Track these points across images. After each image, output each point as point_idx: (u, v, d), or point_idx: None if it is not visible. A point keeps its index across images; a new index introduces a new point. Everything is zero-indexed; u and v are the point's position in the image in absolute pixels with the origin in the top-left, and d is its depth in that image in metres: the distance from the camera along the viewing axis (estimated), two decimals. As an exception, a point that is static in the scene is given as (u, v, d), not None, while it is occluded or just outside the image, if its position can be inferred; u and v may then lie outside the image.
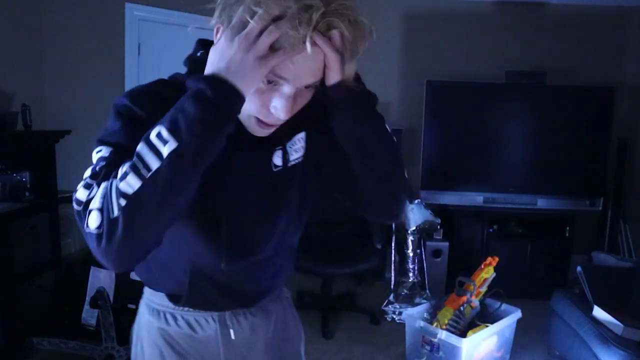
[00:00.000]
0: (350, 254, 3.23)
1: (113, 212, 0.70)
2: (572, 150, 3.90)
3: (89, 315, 2.60)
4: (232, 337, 1.03)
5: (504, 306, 2.71)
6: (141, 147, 0.72)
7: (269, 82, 0.78)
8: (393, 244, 3.54)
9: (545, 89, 3.84)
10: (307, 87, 0.80)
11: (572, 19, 4.16)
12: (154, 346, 1.03)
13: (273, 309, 1.10)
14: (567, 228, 3.76)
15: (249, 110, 0.80)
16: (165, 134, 0.71)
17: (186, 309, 1.01)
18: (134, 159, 0.71)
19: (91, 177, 0.76)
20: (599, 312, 2.37)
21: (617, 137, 3.94)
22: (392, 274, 3.54)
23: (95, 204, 0.72)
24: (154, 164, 0.70)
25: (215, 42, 0.78)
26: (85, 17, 3.38)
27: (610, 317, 2.30)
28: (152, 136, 0.71)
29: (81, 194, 0.74)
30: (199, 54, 0.86)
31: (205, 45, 0.86)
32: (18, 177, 2.74)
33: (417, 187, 3.95)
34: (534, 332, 3.09)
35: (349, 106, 0.82)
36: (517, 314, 2.71)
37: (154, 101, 0.81)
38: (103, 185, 0.73)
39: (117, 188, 0.71)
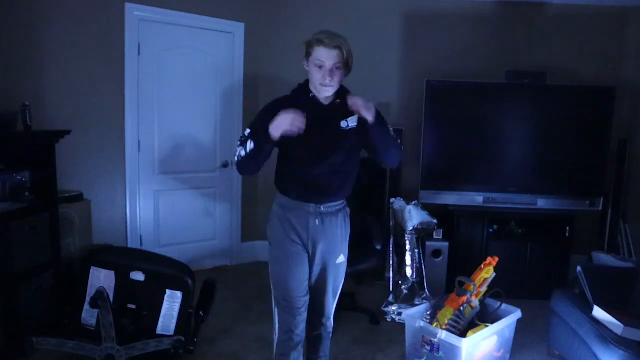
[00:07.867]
0: (350, 254, 3.22)
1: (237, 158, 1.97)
2: (572, 150, 3.89)
3: (89, 315, 2.60)
4: (317, 220, 2.08)
5: (504, 306, 2.71)
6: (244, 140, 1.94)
7: (319, 67, 1.89)
8: (391, 245, 3.54)
9: (545, 89, 3.84)
10: (337, 68, 1.89)
11: (572, 19, 4.16)
12: (277, 222, 2.09)
13: (338, 214, 2.14)
14: (567, 228, 3.76)
15: (315, 80, 1.92)
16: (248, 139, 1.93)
17: (295, 200, 2.06)
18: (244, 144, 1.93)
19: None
20: (599, 312, 2.37)
21: (617, 137, 3.94)
22: (392, 274, 3.54)
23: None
24: (244, 152, 1.93)
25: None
26: (85, 17, 3.38)
27: (610, 317, 2.31)
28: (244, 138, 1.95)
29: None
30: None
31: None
32: (18, 177, 2.74)
33: (417, 187, 3.96)
34: (534, 332, 3.09)
35: (377, 125, 1.92)
36: (517, 314, 2.71)
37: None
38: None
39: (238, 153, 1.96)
